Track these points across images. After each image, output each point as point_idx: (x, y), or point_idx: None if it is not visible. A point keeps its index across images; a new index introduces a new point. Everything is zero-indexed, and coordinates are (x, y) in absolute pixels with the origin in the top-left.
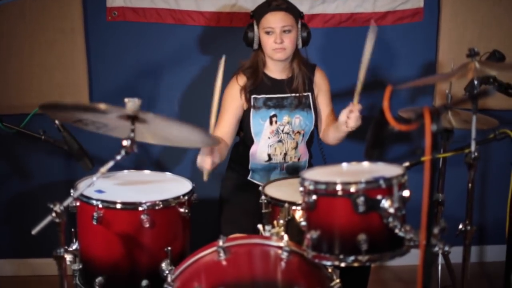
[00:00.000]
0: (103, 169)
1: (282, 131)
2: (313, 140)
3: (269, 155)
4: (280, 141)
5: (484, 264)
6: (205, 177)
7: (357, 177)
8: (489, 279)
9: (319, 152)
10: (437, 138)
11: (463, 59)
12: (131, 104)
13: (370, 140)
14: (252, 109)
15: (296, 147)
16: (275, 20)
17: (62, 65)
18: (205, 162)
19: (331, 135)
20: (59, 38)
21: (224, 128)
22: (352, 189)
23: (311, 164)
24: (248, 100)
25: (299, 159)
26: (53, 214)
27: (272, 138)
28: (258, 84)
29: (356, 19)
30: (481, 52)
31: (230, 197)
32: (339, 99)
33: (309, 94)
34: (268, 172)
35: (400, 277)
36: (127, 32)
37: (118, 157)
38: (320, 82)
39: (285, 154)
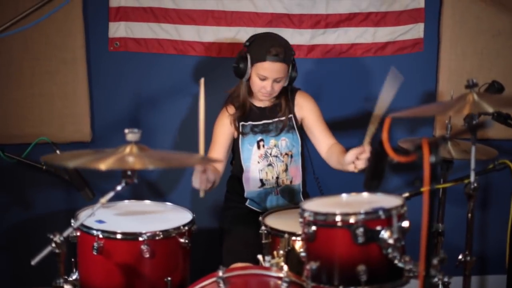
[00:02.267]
0: (104, 199)
1: (271, 154)
2: (305, 165)
3: (261, 180)
4: (270, 164)
5: None
6: (201, 194)
7: (357, 208)
8: None
9: (315, 182)
10: (436, 169)
11: (463, 88)
12: (131, 135)
13: (369, 171)
14: (240, 136)
15: (286, 169)
16: (271, 71)
17: (64, 94)
18: (201, 182)
19: (334, 165)
20: (61, 68)
21: (216, 156)
22: (352, 220)
23: (305, 190)
24: (237, 128)
25: (291, 181)
26: (53, 245)
27: (261, 162)
28: (246, 112)
29: (357, 50)
30: (481, 82)
31: (230, 227)
32: (339, 129)
33: (291, 116)
34: (263, 198)
35: None
36: (128, 62)
37: (119, 188)
38: (303, 103)
39: (277, 177)
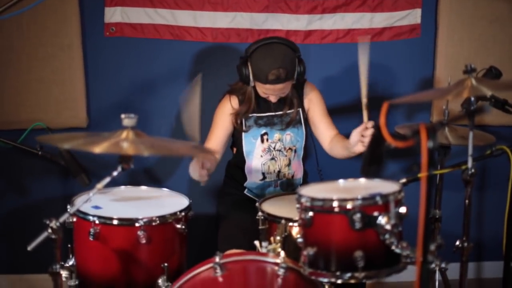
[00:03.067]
0: (100, 185)
1: (274, 148)
2: (307, 156)
3: (263, 174)
4: (272, 158)
5: (482, 280)
6: (202, 184)
7: (354, 194)
8: None
9: (316, 170)
10: (433, 154)
11: (460, 75)
12: (128, 120)
13: (367, 157)
14: (244, 129)
15: (289, 164)
16: (274, 90)
17: (60, 80)
18: (200, 175)
19: (339, 152)
20: (57, 54)
21: (214, 143)
22: (349, 205)
23: (306, 182)
24: (240, 124)
25: (293, 176)
26: (49, 230)
27: (264, 156)
28: (250, 108)
29: (354, 35)
30: (478, 68)
31: (227, 213)
32: (338, 116)
33: (299, 110)
34: (262, 189)
35: None
36: (124, 47)
37: (115, 173)
38: (310, 94)
39: (279, 171)
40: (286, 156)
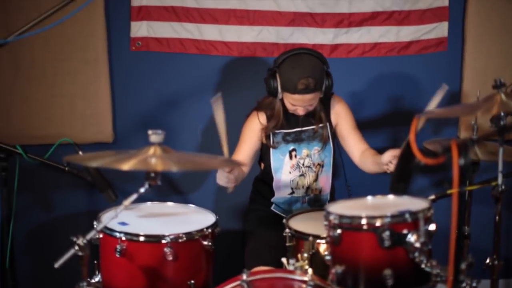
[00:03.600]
0: (127, 202)
1: (303, 164)
2: (336, 173)
3: (292, 189)
4: (302, 175)
5: None
6: (229, 190)
7: (383, 211)
8: None
9: (345, 186)
10: (464, 172)
11: (488, 88)
12: (155, 136)
13: (396, 174)
14: (271, 147)
15: (316, 179)
16: (302, 101)
17: (86, 95)
18: (228, 182)
19: (370, 167)
20: (83, 69)
21: (241, 158)
22: (378, 223)
23: (333, 198)
24: (268, 140)
25: (320, 191)
26: (76, 248)
27: (293, 172)
28: (278, 124)
29: (380, 49)
30: (507, 81)
31: (254, 230)
32: (364, 130)
33: (327, 124)
34: (290, 205)
35: None
36: (150, 62)
37: (142, 190)
38: (338, 109)
39: (308, 187)
40: (314, 172)
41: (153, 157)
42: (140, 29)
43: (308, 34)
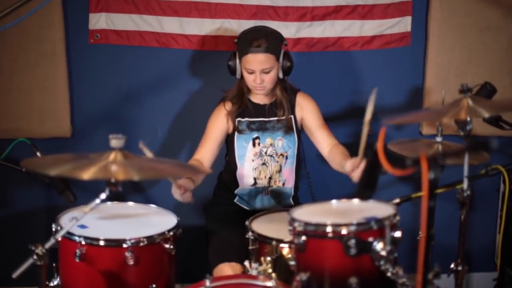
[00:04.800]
0: (87, 209)
1: (266, 153)
2: (300, 169)
3: (254, 179)
4: (264, 163)
5: None
6: (190, 203)
7: (348, 218)
8: None
9: (307, 186)
10: (433, 186)
11: (451, 84)
12: (116, 141)
13: (363, 181)
14: (236, 133)
15: (280, 171)
16: (255, 62)
17: (43, 88)
18: (185, 198)
19: (337, 168)
20: (40, 61)
21: (205, 152)
22: (343, 231)
23: (296, 194)
24: (233, 123)
25: (283, 184)
26: (35, 257)
27: (256, 160)
28: (243, 108)
29: (343, 43)
30: (470, 77)
31: (216, 227)
32: (328, 124)
33: (291, 117)
34: (253, 197)
35: None
36: (109, 55)
37: (103, 196)
38: (303, 103)
39: (270, 178)
40: (277, 162)
41: (114, 164)
42: (99, 21)
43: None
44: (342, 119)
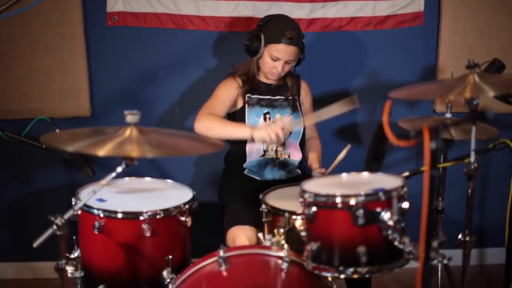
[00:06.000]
0: (104, 181)
1: None
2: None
3: (264, 151)
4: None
5: (484, 266)
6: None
7: (357, 189)
8: (489, 282)
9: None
10: (436, 155)
11: (464, 63)
12: (131, 116)
13: (370, 154)
14: (247, 106)
15: (283, 144)
16: (285, 53)
17: (63, 70)
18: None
19: (306, 156)
20: (60, 44)
21: (217, 110)
22: (352, 201)
23: (303, 167)
24: (243, 98)
25: (289, 156)
26: (54, 227)
27: None
28: (253, 87)
29: (356, 24)
30: (482, 56)
31: (230, 196)
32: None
33: (297, 98)
34: (263, 167)
35: (399, 279)
36: (127, 37)
37: (119, 169)
38: (306, 90)
39: (276, 150)
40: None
41: (129, 141)
42: (116, 4)
43: (284, 9)
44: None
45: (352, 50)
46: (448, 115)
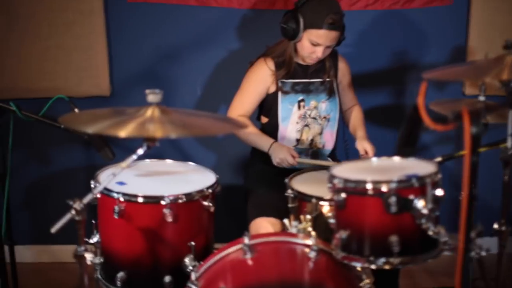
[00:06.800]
0: (124, 164)
1: (309, 116)
2: (339, 132)
3: (297, 140)
4: (306, 125)
5: None
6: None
7: (389, 175)
8: None
9: (343, 143)
10: (477, 141)
11: (495, 44)
12: (153, 96)
13: (403, 138)
14: (280, 94)
15: (321, 133)
16: (327, 38)
17: (81, 47)
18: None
19: (347, 126)
20: (78, 19)
21: (250, 108)
22: (384, 188)
23: (334, 155)
24: (276, 83)
25: (324, 145)
26: (73, 212)
27: (300, 122)
28: (290, 72)
29: (384, 2)
30: None
31: (256, 183)
32: (365, 85)
33: (334, 80)
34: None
35: (425, 267)
36: (148, 14)
37: (140, 151)
38: (343, 67)
39: (312, 140)
40: (320, 124)
41: (151, 121)
42: None
43: None
44: (382, 80)
45: (379, 29)
46: (482, 98)
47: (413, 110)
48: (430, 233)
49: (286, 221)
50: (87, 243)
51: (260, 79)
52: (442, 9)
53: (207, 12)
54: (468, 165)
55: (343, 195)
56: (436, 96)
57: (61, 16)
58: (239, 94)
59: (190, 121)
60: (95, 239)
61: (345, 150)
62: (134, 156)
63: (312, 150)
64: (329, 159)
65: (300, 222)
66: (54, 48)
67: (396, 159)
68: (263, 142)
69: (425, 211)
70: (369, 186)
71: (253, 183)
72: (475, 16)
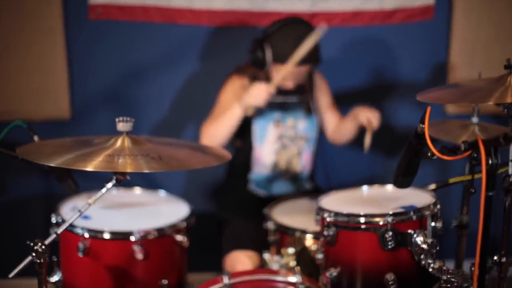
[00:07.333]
0: (91, 200)
1: (286, 136)
2: (317, 153)
3: (274, 162)
4: (284, 147)
5: None
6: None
7: (383, 207)
8: None
9: (322, 165)
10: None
11: (477, 61)
12: (123, 124)
13: (402, 167)
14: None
15: (299, 155)
16: (294, 73)
17: (41, 68)
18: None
19: (343, 135)
20: (37, 39)
21: None
22: (379, 222)
23: (313, 179)
24: None
25: (303, 169)
26: (33, 254)
27: (276, 142)
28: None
29: (362, 17)
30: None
31: (230, 213)
32: (343, 102)
33: (312, 98)
34: (271, 181)
35: None
36: (111, 32)
37: (109, 185)
38: (320, 83)
39: (289, 162)
40: (297, 145)
41: (122, 154)
42: None
43: (283, 2)
44: (360, 98)
45: (357, 46)
46: (475, 120)
47: (414, 137)
48: (431, 270)
49: (266, 255)
50: (48, 283)
51: (235, 94)
52: (422, 25)
53: (175, 29)
54: (483, 200)
55: (333, 229)
56: (416, 115)
57: (20, 36)
58: (215, 110)
59: (166, 153)
60: (56, 277)
61: (325, 173)
62: (103, 191)
63: (290, 174)
64: (308, 184)
65: (282, 256)
66: (11, 69)
67: (388, 187)
68: (230, 112)
69: (424, 246)
70: (362, 220)
71: (228, 212)
72: (456, 31)
